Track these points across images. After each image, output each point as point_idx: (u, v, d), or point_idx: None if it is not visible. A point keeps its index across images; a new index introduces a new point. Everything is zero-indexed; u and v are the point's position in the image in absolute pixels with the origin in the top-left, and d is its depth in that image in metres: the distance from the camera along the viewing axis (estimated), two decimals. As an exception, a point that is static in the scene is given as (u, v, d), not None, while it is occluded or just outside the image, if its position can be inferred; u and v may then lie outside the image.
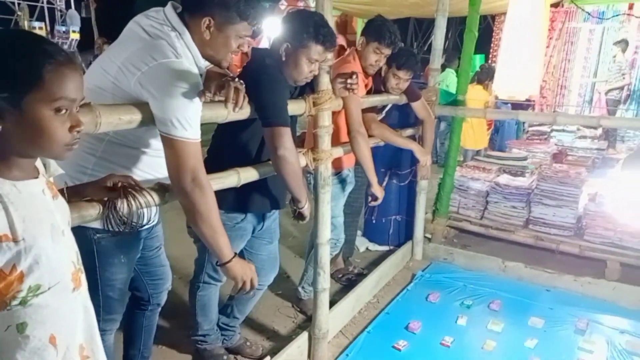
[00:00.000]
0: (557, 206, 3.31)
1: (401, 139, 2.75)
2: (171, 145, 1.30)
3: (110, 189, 1.21)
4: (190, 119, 1.29)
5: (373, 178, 2.46)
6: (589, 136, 5.05)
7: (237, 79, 1.45)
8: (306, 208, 1.92)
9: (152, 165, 1.47)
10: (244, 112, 1.58)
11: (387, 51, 2.43)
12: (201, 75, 1.41)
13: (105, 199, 1.21)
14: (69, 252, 0.98)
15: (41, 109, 0.83)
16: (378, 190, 2.52)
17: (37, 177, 0.93)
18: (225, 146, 1.87)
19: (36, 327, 0.90)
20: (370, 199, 2.60)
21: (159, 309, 1.84)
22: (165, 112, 1.26)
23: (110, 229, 1.20)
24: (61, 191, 1.06)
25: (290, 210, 1.97)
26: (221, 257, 1.43)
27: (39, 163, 0.98)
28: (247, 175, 1.68)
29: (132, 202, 1.22)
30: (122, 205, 1.20)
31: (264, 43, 6.60)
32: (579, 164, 4.01)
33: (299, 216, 1.95)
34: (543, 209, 3.35)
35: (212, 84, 1.41)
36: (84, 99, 0.90)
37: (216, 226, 1.39)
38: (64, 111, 0.86)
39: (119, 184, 1.23)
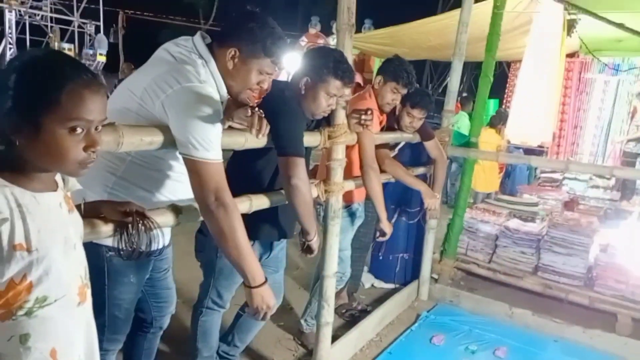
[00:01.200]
0: (567, 254, 3.26)
1: (411, 179, 2.76)
2: (193, 167, 1.33)
3: (125, 213, 1.22)
4: (210, 140, 1.32)
5: (382, 213, 2.46)
6: (602, 186, 5.02)
7: (257, 109, 1.50)
8: (315, 241, 1.92)
9: (171, 189, 1.49)
10: (261, 140, 1.61)
11: (404, 90, 2.48)
12: (222, 103, 1.45)
13: (119, 221, 1.22)
14: (78, 266, 1.00)
15: (55, 128, 0.85)
16: (387, 226, 2.51)
17: (55, 190, 0.96)
18: (239, 173, 1.89)
19: (39, 340, 0.90)
20: (378, 234, 2.60)
21: (161, 332, 1.83)
22: (186, 134, 1.29)
23: (121, 253, 1.20)
24: (78, 206, 1.08)
25: (299, 243, 1.97)
26: (247, 280, 1.43)
27: (58, 177, 1.00)
28: (259, 202, 1.70)
29: (143, 230, 1.22)
30: (134, 232, 1.21)
31: (283, 76, 6.76)
32: (590, 213, 3.97)
33: (307, 249, 1.94)
34: (553, 256, 3.30)
35: (238, 110, 1.45)
36: (105, 120, 0.92)
37: (241, 247, 1.39)
38: (79, 131, 0.87)
39: (134, 210, 1.23)
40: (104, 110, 0.92)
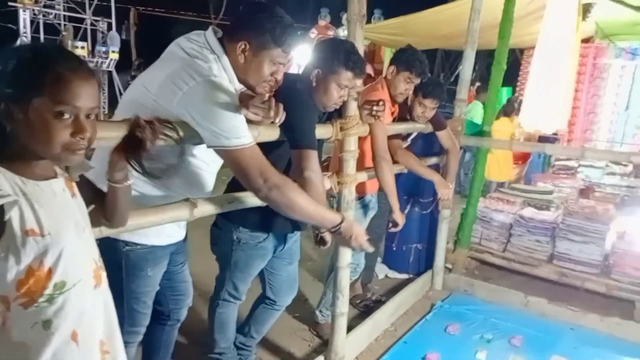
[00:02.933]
0: (583, 242, 3.23)
1: (424, 169, 2.75)
2: (230, 157, 1.34)
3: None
4: (237, 126, 1.32)
5: (395, 204, 2.46)
6: (618, 173, 4.94)
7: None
8: (327, 233, 1.92)
9: (186, 186, 1.50)
10: (273, 133, 1.62)
11: (417, 80, 2.47)
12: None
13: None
14: (91, 250, 1.01)
15: (42, 113, 0.87)
16: (399, 217, 2.51)
17: (56, 177, 0.97)
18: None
19: (60, 325, 0.92)
20: (390, 225, 2.60)
21: (179, 324, 1.86)
22: (212, 126, 1.29)
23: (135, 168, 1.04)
24: (86, 182, 1.08)
25: (312, 235, 1.97)
26: (328, 226, 1.53)
27: None
28: (273, 195, 1.71)
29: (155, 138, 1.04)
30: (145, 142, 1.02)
31: (294, 69, 6.77)
32: (607, 200, 3.91)
33: (321, 241, 1.94)
34: (568, 244, 3.27)
35: (253, 98, 1.45)
36: (96, 108, 0.93)
37: (308, 213, 1.45)
38: (67, 116, 0.88)
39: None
40: (94, 98, 0.92)
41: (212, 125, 1.29)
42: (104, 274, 1.05)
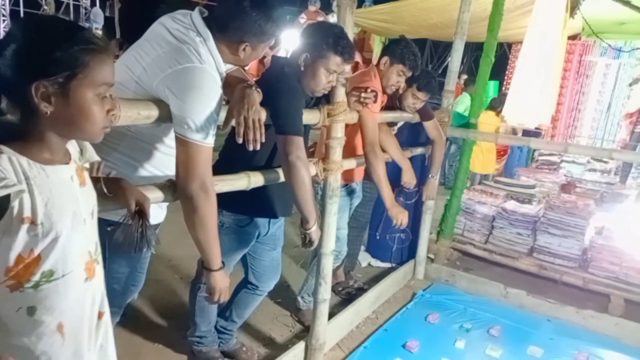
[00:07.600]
0: (563, 236, 3.29)
1: (399, 155, 2.65)
2: (185, 147, 1.31)
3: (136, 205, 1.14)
4: (207, 123, 1.31)
5: (387, 199, 2.38)
6: (599, 169, 5.03)
7: (254, 86, 1.48)
8: (314, 230, 1.84)
9: (171, 166, 1.48)
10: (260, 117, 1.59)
11: (409, 73, 2.44)
12: (221, 80, 1.43)
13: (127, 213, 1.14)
14: (88, 241, 0.99)
15: (86, 93, 0.87)
16: (392, 209, 2.41)
17: (67, 163, 0.95)
18: (237, 150, 1.86)
19: (45, 313, 0.91)
20: (394, 223, 2.44)
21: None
22: (185, 113, 1.28)
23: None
24: (96, 180, 1.07)
25: (300, 237, 1.89)
26: (211, 263, 1.48)
27: (72, 149, 0.99)
28: (258, 179, 1.70)
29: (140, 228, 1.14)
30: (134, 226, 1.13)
31: (282, 54, 6.69)
32: (587, 196, 3.99)
33: (309, 243, 1.87)
34: (549, 238, 3.33)
35: (234, 109, 1.43)
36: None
37: (213, 233, 1.42)
38: (105, 94, 0.90)
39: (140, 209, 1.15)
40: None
41: (183, 111, 1.27)
42: (98, 267, 1.02)
